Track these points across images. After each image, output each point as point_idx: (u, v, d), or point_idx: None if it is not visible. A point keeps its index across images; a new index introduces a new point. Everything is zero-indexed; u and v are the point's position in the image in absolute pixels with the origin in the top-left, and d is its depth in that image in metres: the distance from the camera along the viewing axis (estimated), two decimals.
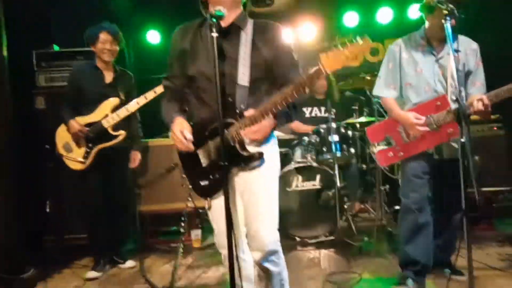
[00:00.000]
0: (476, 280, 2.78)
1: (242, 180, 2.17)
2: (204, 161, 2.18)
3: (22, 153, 4.09)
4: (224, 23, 2.10)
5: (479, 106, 2.63)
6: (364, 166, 4.96)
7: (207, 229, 4.53)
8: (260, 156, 2.09)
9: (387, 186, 4.59)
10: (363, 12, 5.98)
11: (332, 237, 4.11)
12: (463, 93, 2.78)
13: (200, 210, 4.38)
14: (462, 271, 3.00)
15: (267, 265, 2.16)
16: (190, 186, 2.26)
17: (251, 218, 2.15)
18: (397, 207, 4.44)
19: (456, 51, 2.65)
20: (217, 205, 2.19)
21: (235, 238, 1.90)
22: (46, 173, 4.19)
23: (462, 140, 2.25)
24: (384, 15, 5.90)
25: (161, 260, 4.05)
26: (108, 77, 3.72)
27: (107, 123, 3.59)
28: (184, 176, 2.34)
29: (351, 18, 5.99)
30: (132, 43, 5.95)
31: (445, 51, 2.86)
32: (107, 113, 3.60)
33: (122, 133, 3.64)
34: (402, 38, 3.04)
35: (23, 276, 3.74)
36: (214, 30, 1.93)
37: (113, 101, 3.63)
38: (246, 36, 2.10)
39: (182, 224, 3.24)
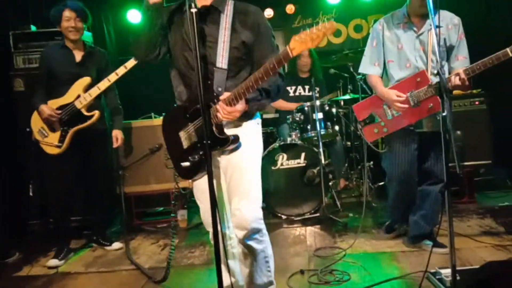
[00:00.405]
0: (457, 252, 2.85)
1: (225, 159, 2.19)
2: (185, 143, 2.20)
3: (2, 136, 4.03)
4: (202, 3, 2.09)
5: (456, 80, 2.67)
6: (348, 143, 4.99)
7: (193, 209, 4.54)
8: (236, 139, 2.10)
9: (372, 163, 4.64)
10: None
11: (317, 214, 4.15)
12: (445, 68, 2.81)
13: (183, 191, 4.39)
14: (443, 244, 3.07)
15: (250, 242, 2.17)
16: (174, 167, 2.28)
17: (233, 197, 2.17)
18: (381, 183, 4.50)
19: (437, 26, 2.69)
20: (201, 184, 2.24)
21: (219, 217, 1.91)
22: (27, 156, 4.12)
23: (444, 114, 2.27)
24: None
25: (148, 241, 4.05)
26: (78, 56, 3.60)
27: (80, 104, 3.49)
28: (168, 157, 2.35)
29: None
30: (112, 22, 5.82)
31: (426, 27, 2.90)
32: (79, 93, 3.50)
33: (96, 113, 3.54)
34: (385, 16, 3.09)
35: (7, 261, 3.73)
36: (193, 5, 1.90)
37: (84, 80, 3.52)
38: (225, 19, 2.10)
39: (172, 206, 3.22)
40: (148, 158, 4.41)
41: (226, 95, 2.01)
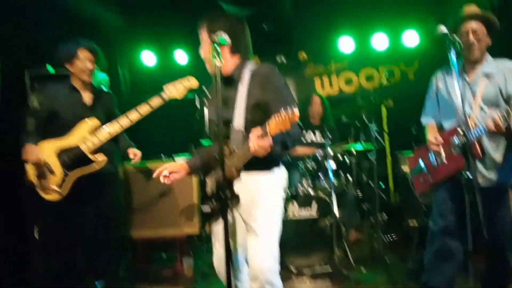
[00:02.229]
0: None
1: (244, 209, 2.27)
2: (208, 189, 2.40)
3: (8, 174, 3.96)
4: (225, 72, 2.31)
5: (491, 126, 2.53)
6: (360, 193, 4.90)
7: (199, 257, 4.41)
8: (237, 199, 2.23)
9: (384, 214, 4.53)
10: (358, 38, 5.99)
11: (328, 267, 4.00)
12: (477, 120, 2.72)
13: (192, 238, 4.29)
14: None
15: None
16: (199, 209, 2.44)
17: (249, 246, 2.23)
18: (394, 236, 4.38)
19: (487, 75, 2.73)
20: (217, 230, 2.34)
21: (232, 267, 2.03)
22: (35, 197, 4.02)
23: (470, 175, 2.19)
24: (379, 41, 5.92)
25: None
26: (87, 98, 3.40)
27: (86, 147, 3.19)
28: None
29: (346, 43, 6.00)
30: (126, 63, 5.90)
31: (477, 75, 2.80)
32: (85, 135, 3.22)
33: (102, 158, 3.24)
34: (441, 68, 3.05)
35: None
36: (217, 58, 2.04)
37: (91, 122, 3.25)
38: (242, 86, 2.28)
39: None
40: (157, 202, 4.33)
41: (259, 129, 2.03)
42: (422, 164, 2.93)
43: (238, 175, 2.21)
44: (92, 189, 3.33)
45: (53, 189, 3.18)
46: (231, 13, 2.44)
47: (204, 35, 2.33)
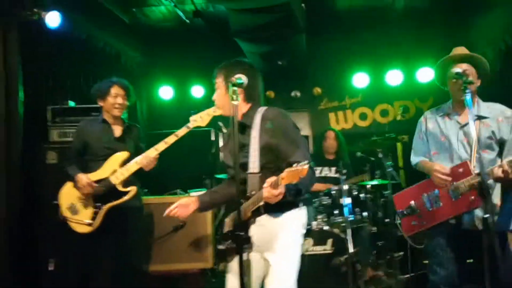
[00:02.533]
0: None
1: (263, 244, 2.28)
2: (225, 229, 2.48)
3: (28, 207, 4.02)
4: (240, 117, 2.37)
5: (498, 172, 2.54)
6: (376, 229, 4.83)
7: None
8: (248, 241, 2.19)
9: (401, 253, 4.45)
10: (372, 74, 6.07)
11: None
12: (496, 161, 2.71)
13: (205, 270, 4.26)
14: None
15: None
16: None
17: (268, 282, 2.25)
18: (411, 274, 4.29)
19: (480, 117, 2.71)
20: (232, 265, 2.34)
21: None
22: (52, 229, 4.05)
23: (486, 216, 2.18)
24: (394, 77, 5.98)
25: None
26: (117, 131, 3.56)
27: (116, 179, 3.31)
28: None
29: (361, 79, 6.07)
30: (145, 97, 6.05)
31: (470, 118, 2.69)
32: (116, 168, 3.34)
33: (132, 189, 3.34)
34: (431, 109, 3.09)
35: None
36: (235, 98, 2.12)
37: (122, 155, 3.39)
38: (254, 130, 2.34)
39: None
40: (171, 236, 4.32)
41: (272, 179, 2.07)
42: (414, 206, 2.87)
43: (252, 216, 2.26)
44: (117, 221, 3.38)
45: (87, 223, 3.29)
46: (246, 61, 2.51)
47: (220, 82, 2.43)
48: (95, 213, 3.30)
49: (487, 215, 2.14)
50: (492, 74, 2.98)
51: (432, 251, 2.85)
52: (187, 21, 5.20)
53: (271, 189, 2.05)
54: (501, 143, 2.78)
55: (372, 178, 4.78)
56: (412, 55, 5.86)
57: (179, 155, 4.80)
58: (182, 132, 3.22)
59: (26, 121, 3.72)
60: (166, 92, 6.19)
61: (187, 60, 5.91)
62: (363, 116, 6.25)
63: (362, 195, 4.35)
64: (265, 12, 4.27)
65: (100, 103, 3.54)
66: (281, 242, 2.27)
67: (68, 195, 3.41)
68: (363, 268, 4.40)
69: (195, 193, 4.41)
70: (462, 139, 2.80)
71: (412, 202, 2.88)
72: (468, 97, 2.48)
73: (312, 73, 6.22)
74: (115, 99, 3.48)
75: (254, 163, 2.27)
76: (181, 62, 5.98)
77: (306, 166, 1.91)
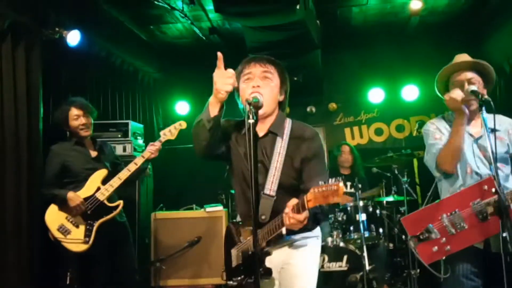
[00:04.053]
0: None
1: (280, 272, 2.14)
2: (234, 262, 2.20)
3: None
4: (260, 131, 2.14)
5: None
6: (392, 246, 4.78)
7: None
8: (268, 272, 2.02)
9: (418, 270, 4.38)
10: (388, 89, 6.05)
11: None
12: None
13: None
14: None
15: None
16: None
17: None
18: None
19: (494, 130, 2.43)
20: None
21: None
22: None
23: (504, 234, 2.13)
24: (410, 93, 5.95)
25: None
26: (92, 151, 3.56)
27: (102, 196, 3.35)
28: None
29: (376, 95, 6.06)
30: (162, 113, 6.13)
31: (483, 130, 2.57)
32: (98, 185, 3.39)
33: (120, 202, 3.42)
34: (435, 118, 2.85)
35: None
36: (250, 116, 1.94)
37: (102, 172, 3.44)
38: (281, 143, 2.09)
39: None
40: (186, 251, 4.35)
41: (294, 201, 1.85)
42: (433, 230, 2.48)
43: (267, 246, 2.04)
44: (112, 239, 3.45)
45: (82, 240, 3.29)
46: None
47: (274, 73, 2.16)
48: (88, 230, 3.32)
49: (505, 234, 2.09)
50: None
51: (456, 280, 2.50)
52: (203, 38, 5.28)
53: (295, 214, 1.81)
54: None
55: (388, 194, 4.74)
56: (428, 70, 5.82)
57: (194, 171, 4.85)
58: (146, 154, 3.43)
59: (45, 138, 3.77)
60: (182, 108, 6.26)
61: (203, 76, 5.87)
62: (379, 132, 6.22)
63: (377, 211, 4.32)
64: (281, 30, 4.30)
65: (66, 129, 3.52)
66: (301, 269, 2.14)
67: (54, 217, 3.37)
68: (379, 286, 4.35)
69: (211, 209, 4.44)
70: (478, 153, 2.57)
71: (431, 226, 2.49)
72: (484, 115, 2.42)
73: (328, 88, 6.23)
74: (77, 121, 3.45)
75: (271, 184, 2.03)
76: (197, 78, 6.03)
77: (342, 184, 1.66)
